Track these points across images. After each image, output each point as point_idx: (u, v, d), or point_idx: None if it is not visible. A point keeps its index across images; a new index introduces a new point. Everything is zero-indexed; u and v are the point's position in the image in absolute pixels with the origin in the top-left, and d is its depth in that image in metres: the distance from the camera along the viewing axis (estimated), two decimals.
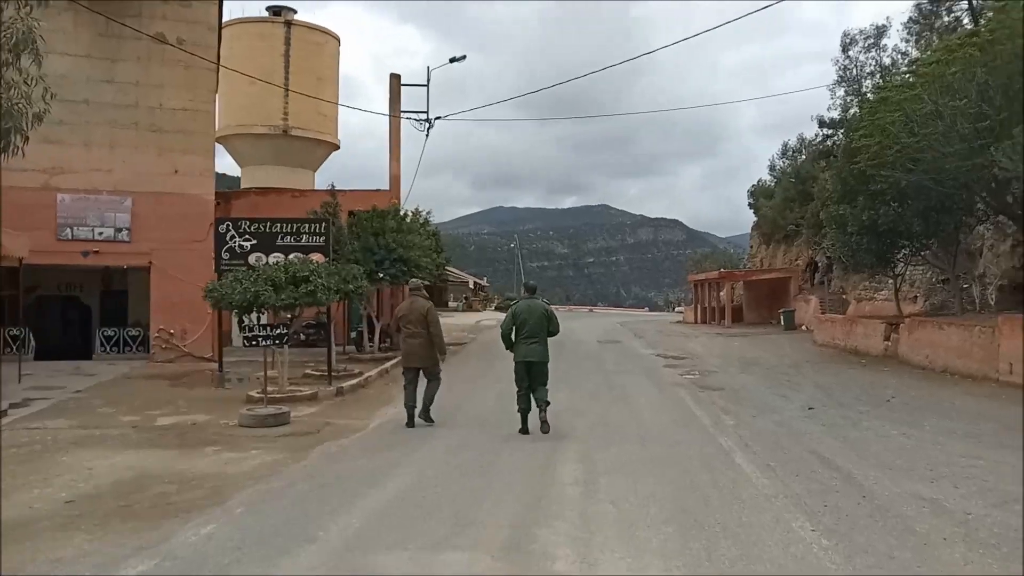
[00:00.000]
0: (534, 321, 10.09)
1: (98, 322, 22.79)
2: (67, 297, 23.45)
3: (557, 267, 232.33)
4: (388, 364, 18.78)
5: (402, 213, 20.91)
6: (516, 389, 10.17)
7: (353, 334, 22.20)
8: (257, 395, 13.21)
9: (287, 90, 38.09)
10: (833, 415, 11.44)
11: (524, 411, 10.06)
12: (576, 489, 7.23)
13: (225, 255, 15.61)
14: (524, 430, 9.92)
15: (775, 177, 43.15)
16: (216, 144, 42.94)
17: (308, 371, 17.04)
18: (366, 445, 9.57)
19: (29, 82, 10.77)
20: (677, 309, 68.16)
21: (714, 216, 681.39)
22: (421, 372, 10.74)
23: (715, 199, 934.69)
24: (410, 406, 10.56)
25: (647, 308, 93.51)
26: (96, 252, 20.06)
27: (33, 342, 20.74)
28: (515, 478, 7.70)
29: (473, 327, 36.32)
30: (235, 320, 23.12)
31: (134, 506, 6.90)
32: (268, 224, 15.69)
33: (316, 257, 15.45)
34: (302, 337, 24.38)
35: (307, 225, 15.78)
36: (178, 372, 18.10)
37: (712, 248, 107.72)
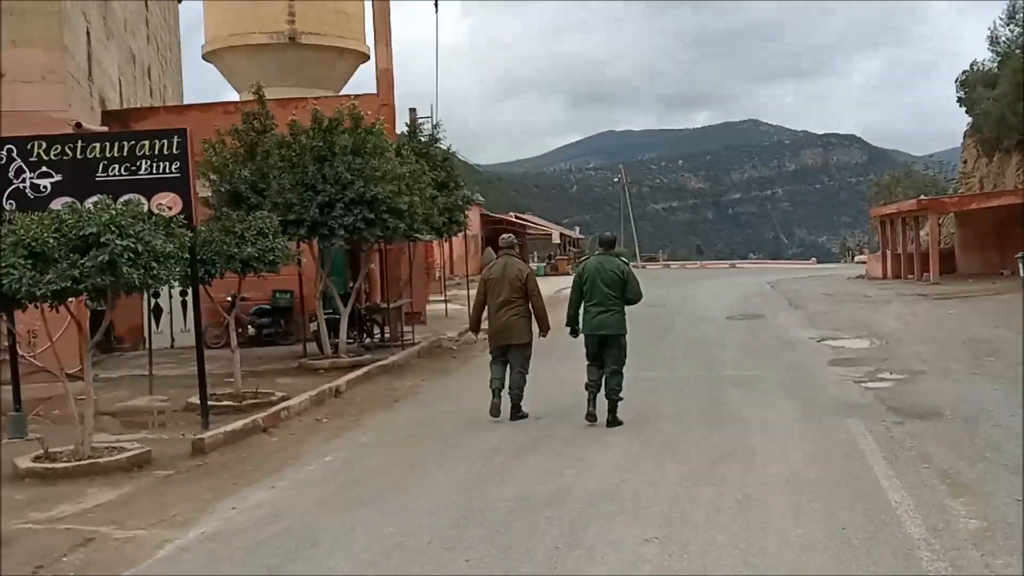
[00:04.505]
0: (605, 283, 10.64)
1: None
2: None
3: (690, 208, 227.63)
4: (345, 379, 14.57)
5: (371, 124, 16.23)
6: (587, 374, 10.82)
7: (313, 326, 17.99)
8: (30, 463, 9.70)
9: None
10: None
11: (594, 386, 10.63)
12: None
13: (8, 204, 11.47)
14: (591, 414, 10.54)
15: (998, 54, 40.50)
16: (205, 62, 42.40)
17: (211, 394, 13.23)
18: None
19: None
20: (859, 258, 63.86)
21: (904, 127, 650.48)
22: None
23: (904, 104, 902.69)
24: (499, 379, 11.27)
25: (815, 259, 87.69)
26: None
27: None
28: None
29: (549, 299, 32.46)
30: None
31: None
32: (79, 145, 11.39)
33: (167, 201, 11.25)
34: (251, 332, 20.83)
35: (147, 144, 11.38)
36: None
37: (904, 170, 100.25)
